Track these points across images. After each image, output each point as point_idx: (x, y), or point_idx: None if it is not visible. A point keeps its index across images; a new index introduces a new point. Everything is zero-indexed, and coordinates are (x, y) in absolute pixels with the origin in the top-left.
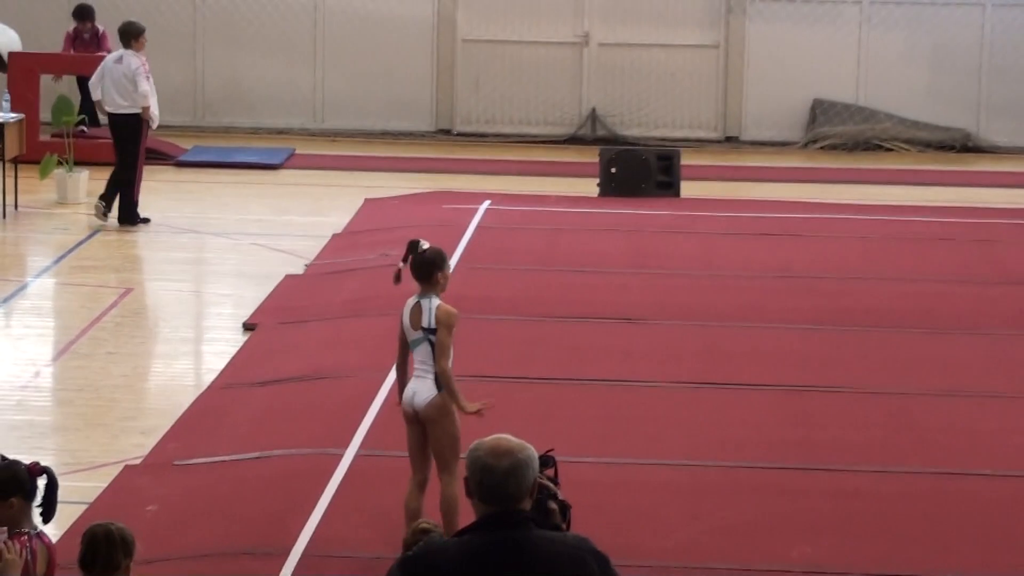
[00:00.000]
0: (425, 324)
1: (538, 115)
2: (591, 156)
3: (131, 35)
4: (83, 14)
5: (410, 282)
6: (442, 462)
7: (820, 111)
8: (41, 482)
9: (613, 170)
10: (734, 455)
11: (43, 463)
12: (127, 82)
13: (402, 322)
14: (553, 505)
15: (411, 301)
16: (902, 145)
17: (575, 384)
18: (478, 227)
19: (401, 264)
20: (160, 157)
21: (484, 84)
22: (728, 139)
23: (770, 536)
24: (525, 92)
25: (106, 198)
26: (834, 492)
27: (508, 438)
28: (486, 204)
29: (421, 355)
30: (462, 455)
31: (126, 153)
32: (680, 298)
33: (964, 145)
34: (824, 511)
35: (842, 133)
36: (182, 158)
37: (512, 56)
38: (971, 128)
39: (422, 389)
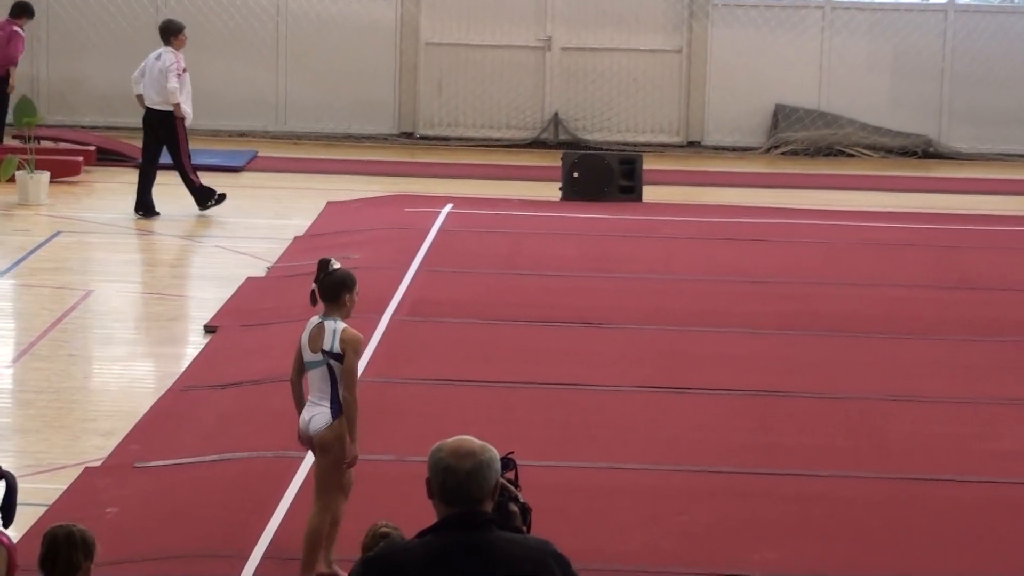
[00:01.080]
0: (326, 347)
1: (501, 119)
2: (554, 160)
3: (170, 33)
4: (17, 10)
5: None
6: (320, 488)
7: (782, 116)
8: (0, 486)
9: (575, 174)
10: (694, 459)
11: (3, 466)
12: (162, 78)
13: (300, 341)
14: (514, 507)
15: (313, 321)
16: (864, 151)
17: (535, 388)
18: (440, 230)
19: (314, 285)
20: (122, 159)
21: (447, 88)
22: (690, 144)
23: (731, 540)
24: (488, 96)
25: (140, 205)
26: (795, 496)
27: (470, 439)
28: (448, 208)
29: (317, 379)
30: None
31: (156, 149)
32: (641, 302)
33: (926, 151)
34: (785, 515)
35: (804, 138)
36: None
37: (475, 60)
38: (933, 134)
39: (318, 415)
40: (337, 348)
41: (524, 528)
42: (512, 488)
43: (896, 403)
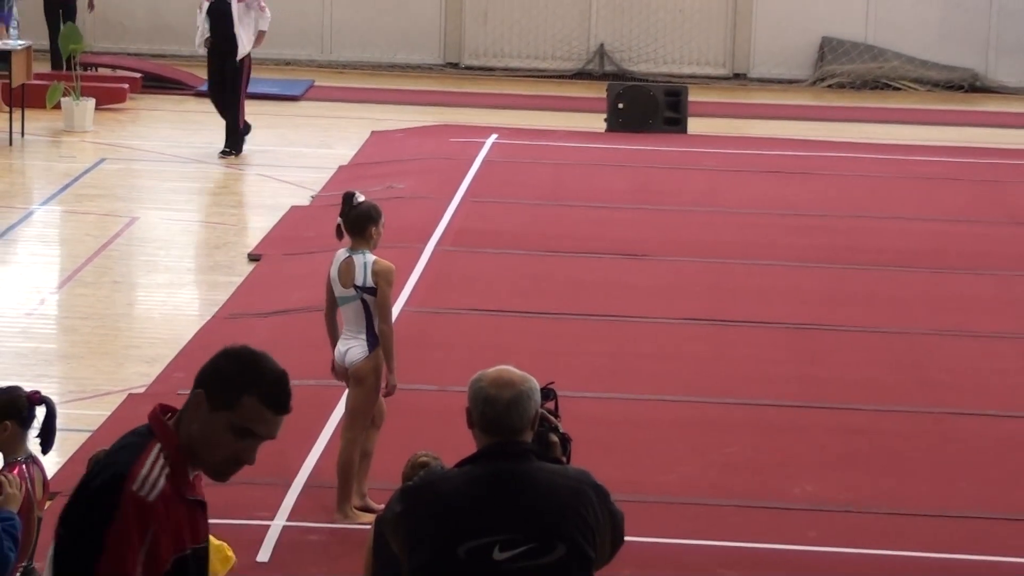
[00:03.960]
0: (359, 282)
1: (546, 49)
2: (599, 91)
3: None
4: None
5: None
6: (351, 420)
7: (828, 49)
8: (40, 412)
9: (620, 105)
10: (738, 391)
11: (46, 392)
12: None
13: (330, 276)
14: (554, 438)
15: (340, 254)
16: (910, 84)
17: (579, 319)
18: (484, 161)
19: (340, 219)
20: (180, 87)
21: (492, 17)
22: (736, 76)
23: (772, 472)
24: (533, 26)
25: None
26: (838, 429)
27: (511, 369)
28: (493, 138)
29: (351, 313)
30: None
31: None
32: (686, 234)
33: (972, 85)
34: (828, 448)
35: (850, 71)
36: (202, 88)
37: None
38: (979, 68)
39: (354, 347)
40: (370, 282)
41: (564, 459)
42: (552, 418)
43: (941, 337)
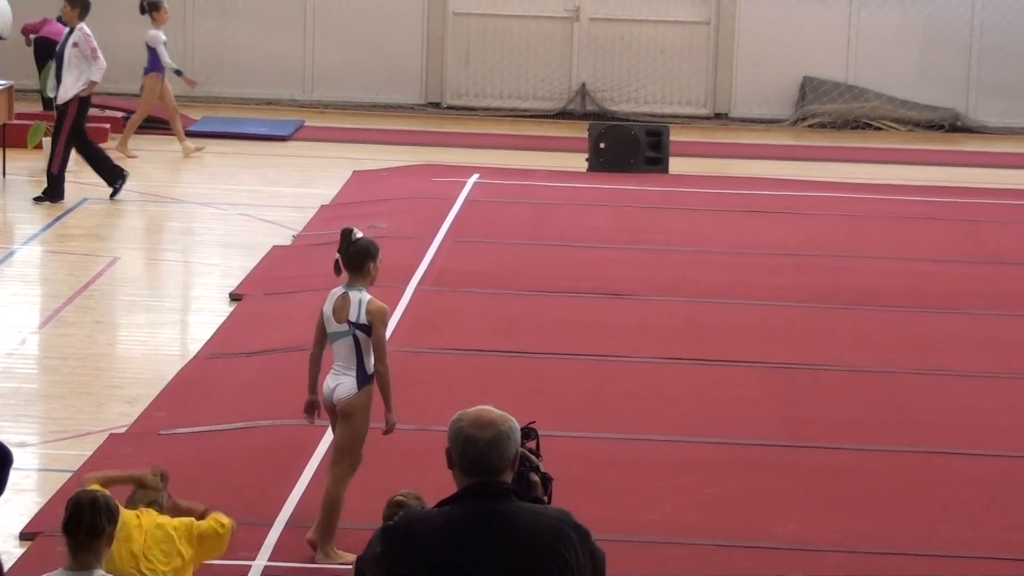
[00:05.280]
0: (352, 318)
1: (528, 89)
2: (580, 131)
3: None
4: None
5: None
6: (338, 456)
7: (810, 89)
8: None
9: (602, 145)
10: (720, 431)
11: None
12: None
13: (323, 313)
14: (535, 477)
15: (336, 291)
16: (891, 124)
17: (561, 359)
18: (466, 200)
19: (338, 255)
20: (166, 127)
21: (474, 57)
22: (717, 116)
23: (755, 512)
24: (515, 66)
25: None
26: (821, 469)
27: (490, 409)
28: (475, 178)
29: (343, 349)
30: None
31: None
32: (668, 274)
33: (953, 125)
34: (811, 487)
35: (831, 111)
36: (190, 128)
37: (503, 30)
38: (960, 108)
39: (343, 384)
40: (364, 319)
41: (545, 498)
42: (533, 458)
43: (922, 377)
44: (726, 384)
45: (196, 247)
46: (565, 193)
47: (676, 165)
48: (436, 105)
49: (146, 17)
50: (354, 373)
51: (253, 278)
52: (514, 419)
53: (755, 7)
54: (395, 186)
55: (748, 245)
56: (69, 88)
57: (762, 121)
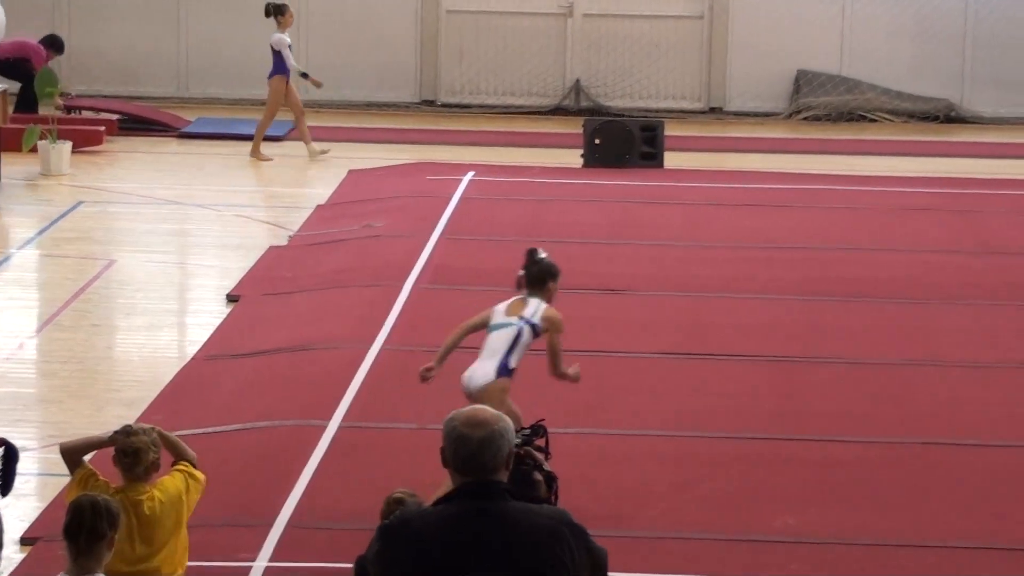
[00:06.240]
0: (526, 314)
1: (522, 86)
2: (575, 127)
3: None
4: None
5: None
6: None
7: (804, 82)
8: None
9: (597, 141)
10: (718, 426)
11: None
12: None
13: (494, 309)
14: (539, 476)
15: (515, 297)
16: (886, 116)
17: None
18: (462, 198)
19: (522, 271)
20: (163, 129)
21: (468, 55)
22: (712, 110)
23: (755, 505)
24: (509, 63)
25: None
26: (819, 462)
27: (485, 409)
28: (470, 175)
29: (499, 340)
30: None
31: None
32: (664, 269)
33: (947, 116)
34: (809, 481)
35: (826, 104)
36: (185, 130)
37: (496, 27)
38: (954, 99)
39: (478, 373)
40: (537, 319)
41: (551, 496)
42: (538, 456)
43: (919, 368)
44: (724, 378)
45: (192, 249)
46: (560, 189)
47: (671, 160)
48: (431, 103)
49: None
50: (495, 363)
51: (250, 279)
52: (507, 419)
53: (749, 1)
54: (391, 185)
55: (744, 239)
56: None
57: (757, 115)
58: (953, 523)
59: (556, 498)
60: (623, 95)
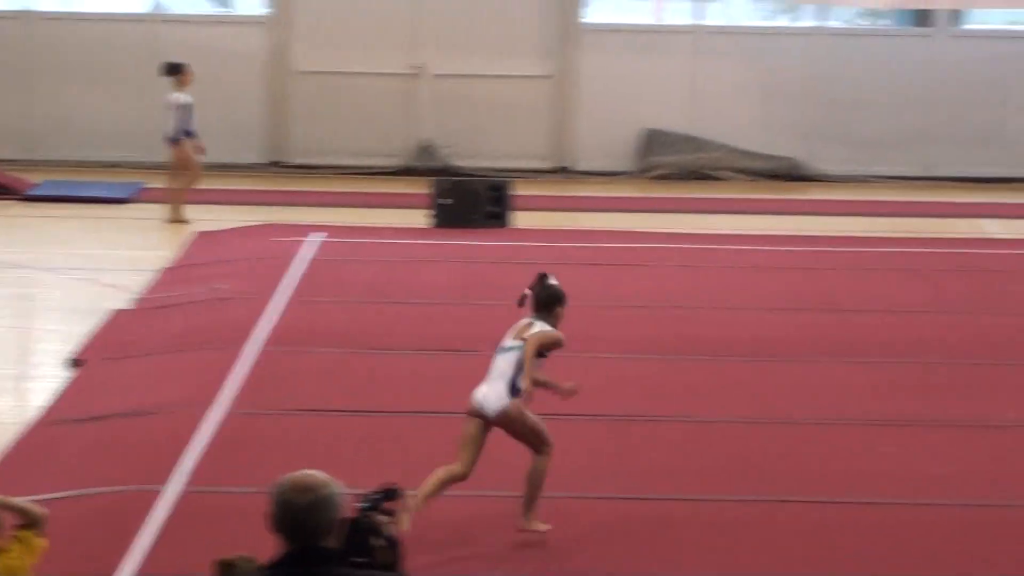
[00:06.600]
0: (528, 336)
1: (372, 146)
2: (425, 188)
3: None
4: None
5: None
6: (535, 444)
7: (653, 140)
8: None
9: (445, 201)
10: (566, 485)
11: None
12: None
13: (509, 331)
14: (379, 542)
15: (524, 320)
16: (733, 174)
17: (408, 416)
18: (312, 259)
19: (527, 291)
20: (6, 192)
21: (318, 116)
22: (562, 169)
23: (582, 554)
24: (359, 123)
25: None
26: (658, 518)
27: (313, 474)
28: (319, 236)
29: (504, 363)
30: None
31: None
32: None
33: (793, 174)
34: (651, 539)
35: (674, 162)
36: (31, 192)
37: (346, 87)
38: (801, 157)
39: (491, 396)
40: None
41: (397, 563)
42: (382, 519)
43: (763, 426)
44: (566, 437)
45: (36, 313)
46: (409, 250)
47: (522, 219)
48: (279, 164)
49: None
50: (505, 384)
51: (93, 343)
52: (336, 484)
53: (597, 61)
54: (239, 246)
55: (589, 298)
56: None
57: (606, 174)
58: None
59: (399, 563)
60: (473, 155)
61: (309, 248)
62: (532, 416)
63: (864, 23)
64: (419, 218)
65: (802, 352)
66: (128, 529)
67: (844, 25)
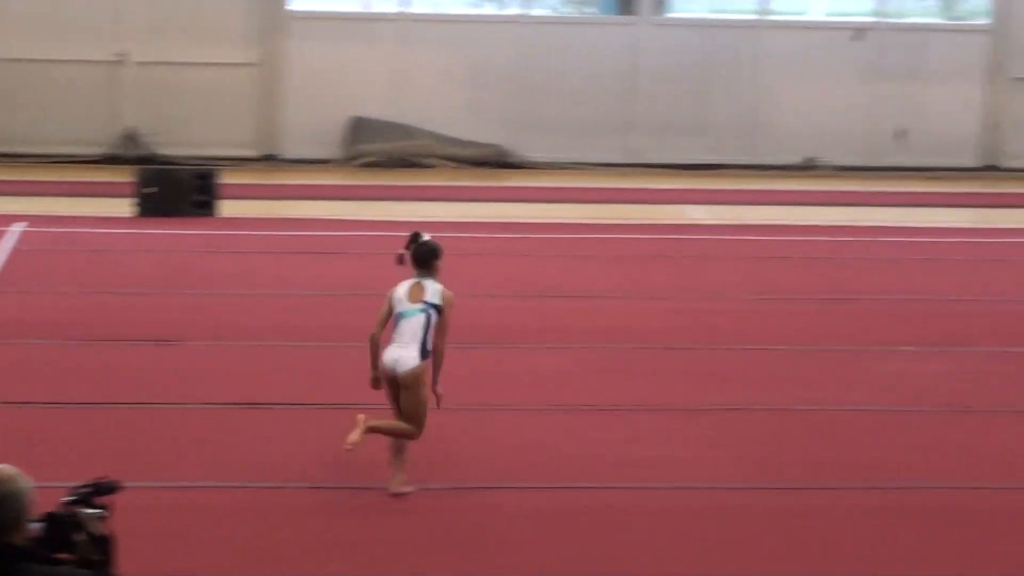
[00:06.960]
0: (428, 299)
1: (75, 134)
2: (130, 176)
3: None
4: None
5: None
6: (407, 419)
7: (360, 128)
8: None
9: (150, 190)
10: (265, 475)
11: None
12: None
13: (393, 297)
14: (82, 537)
15: (408, 282)
16: (440, 161)
17: (115, 408)
18: (14, 250)
19: (403, 251)
20: None
21: (18, 104)
22: (268, 157)
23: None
24: (60, 111)
25: None
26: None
27: (3, 469)
28: (22, 226)
29: (411, 326)
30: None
31: None
32: (220, 318)
33: (500, 161)
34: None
35: (381, 150)
36: None
37: (45, 75)
38: (507, 144)
39: (405, 357)
40: (439, 301)
41: (104, 558)
42: (88, 513)
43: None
44: (273, 427)
45: None
46: (114, 240)
47: (229, 208)
48: None
49: None
50: (417, 347)
51: None
52: (24, 480)
53: (303, 48)
54: None
55: (296, 286)
56: None
57: (313, 161)
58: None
59: (108, 559)
60: (178, 143)
61: (10, 239)
62: (426, 389)
63: (569, 11)
64: (124, 207)
65: (504, 338)
66: None
67: (549, 13)
